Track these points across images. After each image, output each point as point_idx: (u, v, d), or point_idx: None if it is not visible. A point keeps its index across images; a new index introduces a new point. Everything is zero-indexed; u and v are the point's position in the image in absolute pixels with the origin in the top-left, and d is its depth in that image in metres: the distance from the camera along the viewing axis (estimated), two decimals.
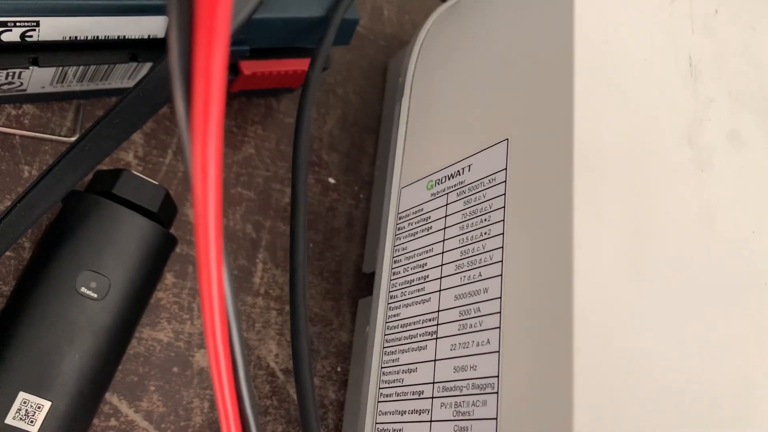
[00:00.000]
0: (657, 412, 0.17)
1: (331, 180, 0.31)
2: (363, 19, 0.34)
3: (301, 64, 0.26)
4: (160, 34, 0.23)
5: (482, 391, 0.18)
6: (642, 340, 0.18)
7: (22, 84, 0.23)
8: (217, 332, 0.12)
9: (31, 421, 0.20)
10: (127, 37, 0.22)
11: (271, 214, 0.29)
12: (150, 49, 0.24)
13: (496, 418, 0.18)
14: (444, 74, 0.25)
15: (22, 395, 0.20)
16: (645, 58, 0.21)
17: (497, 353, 0.18)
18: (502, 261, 0.19)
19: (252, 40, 0.24)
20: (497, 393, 0.18)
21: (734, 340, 0.19)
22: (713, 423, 0.18)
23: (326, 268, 0.29)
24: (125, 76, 0.25)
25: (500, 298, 0.19)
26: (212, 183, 0.10)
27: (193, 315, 0.26)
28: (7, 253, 0.23)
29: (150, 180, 0.24)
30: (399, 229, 0.24)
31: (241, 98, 0.29)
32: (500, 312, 0.19)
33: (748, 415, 0.18)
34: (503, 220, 0.20)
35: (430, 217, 0.23)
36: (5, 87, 0.23)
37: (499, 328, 0.19)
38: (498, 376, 0.18)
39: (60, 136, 0.25)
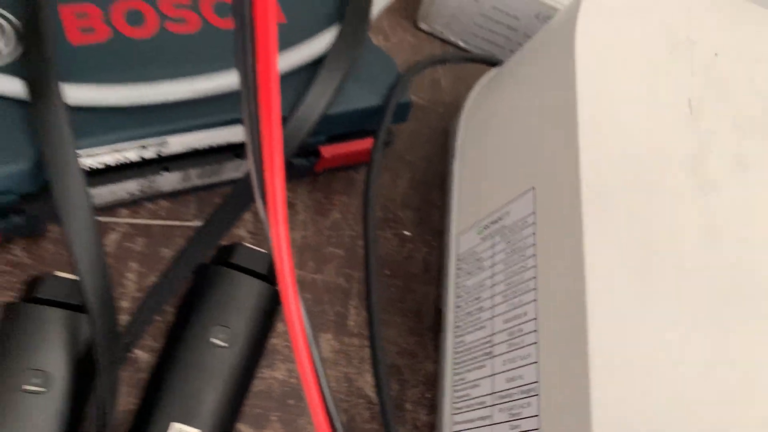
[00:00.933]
0: (667, 413, 0.21)
1: (407, 233, 0.36)
2: (423, 91, 0.40)
3: (368, 143, 0.32)
4: (238, 141, 0.29)
5: (527, 395, 0.23)
6: (651, 345, 0.21)
7: (157, 186, 0.30)
8: (306, 369, 0.18)
9: None
10: (231, 142, 0.29)
11: (358, 266, 0.34)
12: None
13: (538, 415, 0.22)
14: (485, 135, 0.30)
15: (174, 425, 0.27)
16: (645, 103, 0.25)
17: (536, 363, 0.23)
18: (536, 288, 0.24)
19: (326, 130, 0.30)
20: (538, 395, 0.22)
21: (739, 352, 0.23)
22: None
23: (408, 309, 0.34)
24: (234, 169, 0.31)
25: (535, 319, 0.23)
26: (285, 254, 0.15)
27: None
28: (157, 318, 0.30)
29: (259, 249, 0.30)
30: (458, 269, 0.29)
31: (327, 173, 0.36)
32: (536, 330, 0.23)
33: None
34: (535, 255, 0.24)
35: (481, 258, 0.28)
36: (146, 189, 0.30)
37: (537, 343, 0.23)
38: (538, 382, 0.22)
39: (187, 222, 0.32)
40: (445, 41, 0.42)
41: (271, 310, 0.30)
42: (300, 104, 0.28)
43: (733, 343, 0.23)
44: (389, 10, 0.42)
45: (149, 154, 0.27)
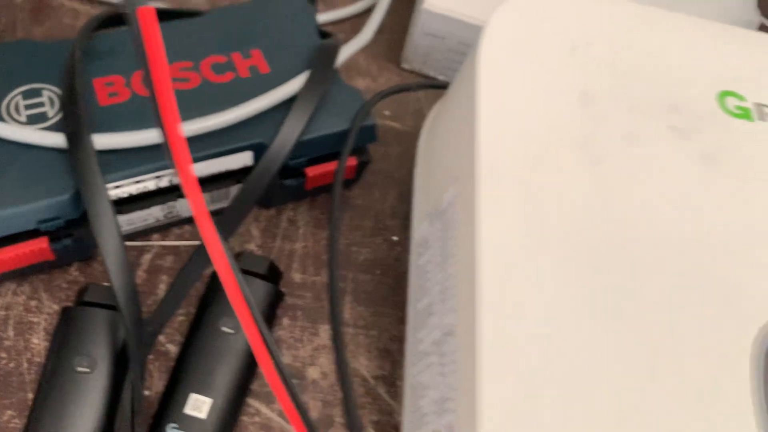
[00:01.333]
0: (550, 361, 0.25)
1: (394, 238, 0.42)
2: (408, 119, 0.46)
3: (350, 161, 0.39)
4: (249, 163, 0.36)
5: (450, 341, 0.28)
6: (536, 299, 0.26)
7: (178, 212, 0.38)
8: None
9: (200, 411, 0.33)
10: (230, 169, 0.36)
11: (352, 268, 0.40)
12: (246, 173, 0.37)
13: (454, 358, 0.27)
14: (434, 144, 0.36)
15: (192, 395, 0.33)
16: (542, 97, 0.31)
17: (455, 314, 0.28)
18: (455, 257, 0.29)
19: (306, 153, 0.37)
20: (456, 340, 0.27)
21: (627, 306, 0.27)
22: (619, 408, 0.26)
23: (398, 302, 0.40)
24: None
25: (456, 285, 0.29)
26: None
27: (303, 344, 0.38)
28: (180, 314, 0.37)
29: (261, 255, 0.37)
30: (417, 253, 0.35)
31: (324, 195, 0.42)
32: (455, 293, 0.28)
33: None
34: (456, 231, 0.30)
35: (428, 240, 0.33)
36: (170, 215, 0.38)
37: (456, 297, 0.28)
38: (455, 333, 0.28)
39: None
40: (426, 76, 0.48)
41: (272, 304, 0.37)
42: (278, 133, 0.35)
43: (620, 298, 0.27)
44: (375, 56, 0.49)
45: (164, 183, 0.35)
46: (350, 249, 0.41)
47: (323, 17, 0.48)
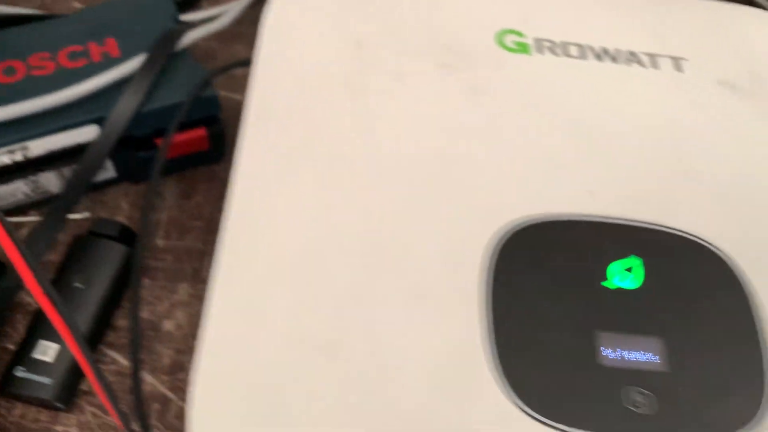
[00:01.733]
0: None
1: None
2: None
3: (201, 132, 0.42)
4: (83, 141, 0.40)
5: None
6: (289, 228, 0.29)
7: (45, 187, 0.42)
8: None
9: (47, 356, 0.36)
10: (80, 142, 0.40)
11: (216, 233, 0.44)
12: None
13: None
14: None
15: (41, 341, 0.37)
16: (318, 45, 0.34)
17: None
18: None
19: (151, 124, 0.41)
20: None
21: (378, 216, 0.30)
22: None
23: None
24: (103, 171, 0.42)
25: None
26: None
27: (161, 301, 0.41)
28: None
29: (113, 220, 0.41)
30: None
31: (193, 168, 0.46)
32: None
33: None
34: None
35: None
36: (38, 191, 0.42)
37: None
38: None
39: (78, 214, 0.43)
40: None
41: (123, 262, 0.40)
42: (115, 106, 0.39)
43: (372, 207, 0.30)
44: None
45: (18, 157, 0.39)
46: (215, 217, 0.44)
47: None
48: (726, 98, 0.35)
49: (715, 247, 0.31)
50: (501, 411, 0.26)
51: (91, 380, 0.29)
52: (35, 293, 0.28)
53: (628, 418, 0.26)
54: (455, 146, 0.31)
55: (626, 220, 0.31)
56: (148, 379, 0.38)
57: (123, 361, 0.39)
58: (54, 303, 0.30)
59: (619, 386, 0.27)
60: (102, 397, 0.30)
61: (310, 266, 0.28)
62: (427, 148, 0.31)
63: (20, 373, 0.36)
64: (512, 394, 0.26)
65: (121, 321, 0.40)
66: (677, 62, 0.36)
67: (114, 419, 0.32)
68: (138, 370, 0.36)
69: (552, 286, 0.29)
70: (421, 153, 0.31)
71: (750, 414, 0.27)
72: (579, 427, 0.26)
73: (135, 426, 0.36)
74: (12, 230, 0.28)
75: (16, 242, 0.28)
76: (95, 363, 0.29)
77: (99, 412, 0.38)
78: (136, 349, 0.36)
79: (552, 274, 0.29)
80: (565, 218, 0.30)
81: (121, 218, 0.44)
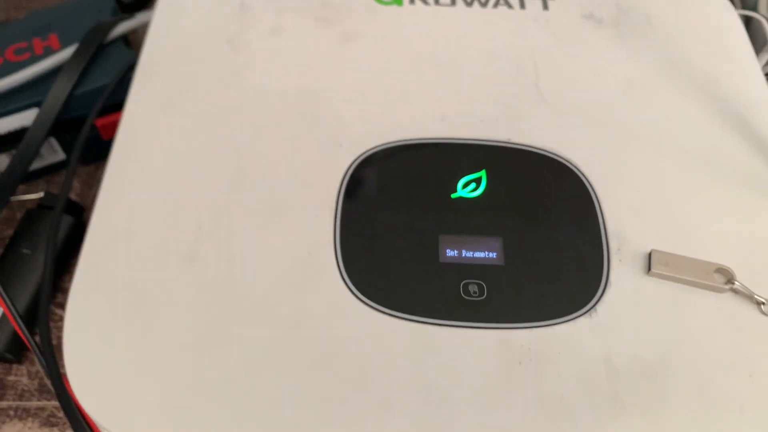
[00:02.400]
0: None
1: None
2: None
3: None
4: (27, 124, 0.45)
5: None
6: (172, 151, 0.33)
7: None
8: None
9: None
10: (25, 126, 0.45)
11: None
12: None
13: None
14: None
15: None
16: (206, 8, 0.38)
17: None
18: None
19: (87, 105, 0.45)
20: None
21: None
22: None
23: None
24: (53, 154, 0.47)
25: None
26: None
27: None
28: None
29: (60, 193, 0.45)
30: None
31: None
32: None
33: None
34: None
35: None
36: None
37: None
38: None
39: (35, 194, 0.48)
40: None
41: (70, 230, 0.44)
42: (51, 90, 0.43)
43: (242, 142, 0.33)
44: None
45: None
46: None
47: None
48: (588, 30, 0.38)
49: (562, 157, 0.33)
50: (342, 302, 0.29)
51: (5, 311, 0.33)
52: None
53: (465, 305, 0.29)
54: (320, 85, 0.35)
55: (475, 140, 0.33)
56: None
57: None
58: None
59: (459, 280, 0.30)
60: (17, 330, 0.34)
61: (179, 189, 0.31)
62: (294, 87, 0.35)
63: None
64: (354, 288, 0.29)
65: (69, 284, 0.45)
66: (545, 1, 0.39)
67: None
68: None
69: (401, 200, 0.32)
70: (288, 91, 0.34)
71: (587, 299, 0.29)
72: (414, 314, 0.29)
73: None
74: None
75: None
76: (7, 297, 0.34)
77: None
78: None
79: (402, 189, 0.32)
80: (416, 142, 0.33)
81: (72, 196, 0.48)
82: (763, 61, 0.43)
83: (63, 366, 0.28)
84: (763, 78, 0.38)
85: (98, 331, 0.28)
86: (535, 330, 0.28)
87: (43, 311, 0.33)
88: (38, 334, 0.33)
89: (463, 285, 0.29)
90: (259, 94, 0.34)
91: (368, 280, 0.29)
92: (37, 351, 0.33)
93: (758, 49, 0.42)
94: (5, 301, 0.35)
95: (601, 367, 0.28)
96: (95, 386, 0.26)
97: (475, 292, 0.29)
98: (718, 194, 0.33)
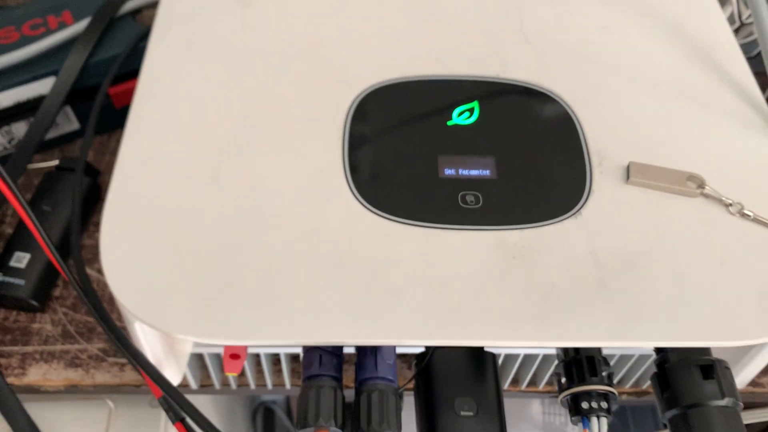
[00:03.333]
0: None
1: None
2: None
3: None
4: (45, 92, 0.47)
5: None
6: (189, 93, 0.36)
7: (14, 136, 0.49)
8: None
9: (21, 263, 0.43)
10: (43, 94, 0.48)
11: None
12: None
13: None
14: None
15: (16, 252, 0.43)
16: None
17: None
18: None
19: (101, 74, 0.48)
20: None
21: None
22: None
23: None
24: (68, 123, 0.50)
25: None
26: None
27: None
28: None
29: (77, 157, 0.48)
30: None
31: None
32: None
33: None
34: None
35: None
36: (14, 143, 0.49)
37: None
38: None
39: (52, 162, 0.51)
40: None
41: (87, 191, 0.47)
42: (67, 59, 0.46)
43: (256, 82, 0.36)
44: None
45: None
46: None
47: None
48: None
49: (546, 89, 0.36)
50: (353, 211, 0.32)
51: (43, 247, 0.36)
52: (17, 210, 0.36)
53: (463, 212, 0.32)
54: (325, 32, 0.38)
55: (467, 76, 0.37)
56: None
57: (90, 272, 0.46)
58: (27, 213, 0.37)
59: (457, 192, 0.33)
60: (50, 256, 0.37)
61: (199, 120, 0.34)
62: (299, 34, 0.38)
63: None
64: (362, 200, 0.32)
65: (88, 240, 0.47)
66: None
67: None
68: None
69: (403, 128, 0.35)
70: (294, 37, 0.38)
71: (573, 204, 0.33)
72: (418, 220, 0.32)
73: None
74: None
75: (3, 176, 0.36)
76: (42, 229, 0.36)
77: (70, 312, 0.44)
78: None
79: (404, 119, 0.35)
80: (415, 79, 0.37)
81: (90, 158, 0.51)
82: (728, 13, 0.47)
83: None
84: (724, 20, 0.41)
85: (132, 239, 0.30)
86: (526, 230, 0.31)
87: (76, 233, 0.36)
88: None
89: (461, 196, 0.33)
90: (268, 41, 0.38)
91: (376, 193, 0.32)
92: (72, 278, 0.36)
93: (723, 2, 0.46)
94: (42, 236, 0.37)
95: (588, 259, 0.31)
96: (131, 286, 0.29)
97: (471, 201, 0.32)
98: (686, 116, 0.36)
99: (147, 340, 0.31)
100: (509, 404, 0.34)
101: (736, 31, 0.50)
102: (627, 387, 0.42)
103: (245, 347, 0.31)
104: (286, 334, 0.28)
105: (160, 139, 0.34)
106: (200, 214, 0.31)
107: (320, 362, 0.29)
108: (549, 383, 0.41)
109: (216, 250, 0.30)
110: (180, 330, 0.28)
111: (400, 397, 0.31)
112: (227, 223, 0.31)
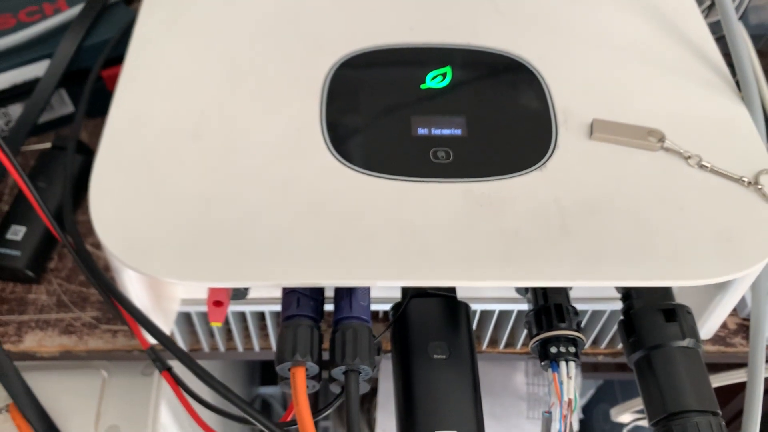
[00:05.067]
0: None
1: None
2: None
3: None
4: (40, 75, 0.49)
5: None
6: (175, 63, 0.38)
7: (11, 118, 0.51)
8: None
9: (17, 236, 0.45)
10: (38, 76, 0.49)
11: None
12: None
13: None
14: None
15: (12, 225, 0.45)
16: None
17: None
18: None
19: (93, 57, 0.50)
20: None
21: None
22: None
23: None
24: (62, 105, 0.52)
25: None
26: None
27: None
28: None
29: (71, 136, 0.50)
30: None
31: None
32: None
33: None
34: None
35: None
36: (9, 123, 0.51)
37: None
38: None
39: (46, 144, 0.52)
40: None
41: (80, 168, 0.49)
42: (60, 43, 0.48)
43: (240, 53, 0.38)
44: None
45: None
46: None
47: None
48: None
49: (514, 55, 0.38)
50: (329, 166, 0.33)
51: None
52: (16, 179, 0.37)
53: (434, 166, 0.34)
54: (301, 2, 0.40)
55: (439, 44, 0.39)
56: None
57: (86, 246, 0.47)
58: (25, 182, 0.38)
59: (428, 149, 0.34)
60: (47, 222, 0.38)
61: (182, 84, 0.36)
62: (276, 5, 0.40)
63: None
64: (340, 157, 0.34)
65: (81, 216, 0.49)
66: None
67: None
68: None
69: (378, 91, 0.37)
70: (275, 8, 0.40)
71: (538, 158, 0.34)
72: (390, 173, 0.33)
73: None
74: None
75: (3, 147, 0.37)
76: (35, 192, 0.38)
77: (65, 283, 0.46)
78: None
79: (379, 83, 0.37)
80: (391, 47, 0.38)
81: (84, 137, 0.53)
82: None
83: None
84: None
85: (119, 192, 0.32)
86: (493, 182, 0.33)
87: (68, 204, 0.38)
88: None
89: (432, 152, 0.34)
90: (249, 12, 0.40)
91: (351, 150, 0.34)
92: (66, 239, 0.37)
93: None
94: (38, 202, 0.38)
95: (552, 207, 0.32)
96: (119, 235, 0.31)
97: (442, 156, 0.34)
98: (648, 78, 0.38)
99: (135, 291, 0.33)
100: (493, 375, 0.36)
101: (707, 10, 0.52)
102: (602, 347, 0.43)
103: (228, 293, 0.33)
104: (265, 275, 0.30)
105: (147, 101, 0.35)
106: (183, 168, 0.33)
107: (298, 304, 0.31)
108: (526, 344, 0.42)
109: (198, 201, 0.32)
110: (165, 273, 0.30)
111: (378, 351, 0.32)
112: (208, 175, 0.33)
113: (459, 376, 0.31)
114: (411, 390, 0.31)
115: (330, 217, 0.31)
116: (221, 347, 0.42)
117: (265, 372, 0.98)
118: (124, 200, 0.32)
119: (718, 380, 0.46)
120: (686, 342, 0.32)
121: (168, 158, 0.33)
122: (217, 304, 0.32)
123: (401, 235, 0.31)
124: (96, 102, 0.51)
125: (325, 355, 0.31)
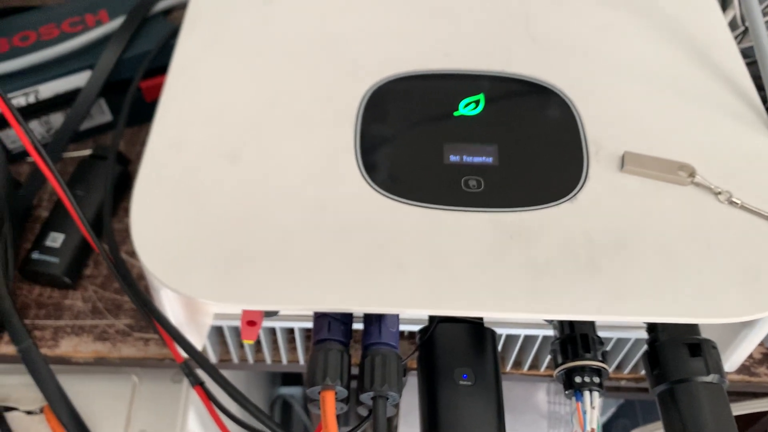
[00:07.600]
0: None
1: None
2: None
3: None
4: (81, 85, 0.51)
5: None
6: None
7: (52, 126, 0.52)
8: None
9: (56, 242, 0.46)
10: (80, 86, 0.51)
11: None
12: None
13: None
14: None
15: (51, 233, 0.47)
16: None
17: None
18: None
19: (133, 68, 0.51)
20: None
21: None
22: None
23: None
24: (101, 114, 0.53)
25: None
26: None
27: None
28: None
29: (109, 146, 0.51)
30: None
31: None
32: None
33: None
34: None
35: None
36: (52, 133, 0.52)
37: None
38: None
39: (86, 151, 0.54)
40: None
41: (118, 179, 0.50)
42: (102, 55, 0.50)
43: (281, 74, 0.39)
44: None
45: (31, 99, 0.50)
46: None
47: None
48: None
49: (547, 83, 0.39)
50: (362, 191, 0.34)
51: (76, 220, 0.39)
52: (56, 188, 0.38)
53: (465, 195, 0.34)
54: (339, 28, 0.41)
55: (474, 71, 0.39)
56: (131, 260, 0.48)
57: (121, 254, 0.49)
58: (65, 192, 0.40)
59: (459, 178, 0.35)
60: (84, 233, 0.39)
61: (222, 108, 0.37)
62: (317, 29, 0.41)
63: (35, 255, 0.46)
64: (372, 183, 0.34)
65: (118, 225, 0.50)
66: None
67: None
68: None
69: (412, 117, 0.37)
70: (312, 32, 0.40)
71: (569, 190, 0.35)
72: (422, 201, 0.34)
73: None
74: (40, 147, 0.38)
75: (40, 153, 0.39)
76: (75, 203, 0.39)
77: (100, 290, 0.47)
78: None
79: (413, 109, 0.38)
80: (425, 72, 0.39)
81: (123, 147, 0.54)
82: (729, 17, 0.49)
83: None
84: (722, 18, 0.43)
85: (159, 213, 0.33)
86: (524, 213, 0.34)
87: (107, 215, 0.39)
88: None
89: (464, 180, 0.35)
90: (287, 36, 0.41)
91: (384, 176, 0.35)
92: (105, 252, 0.38)
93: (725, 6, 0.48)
94: (77, 212, 0.40)
95: (581, 239, 0.33)
96: (158, 255, 0.32)
97: (474, 185, 0.35)
98: (680, 110, 0.38)
99: (171, 309, 0.34)
100: (515, 393, 0.36)
101: (741, 35, 0.52)
102: (625, 373, 0.43)
103: (261, 313, 0.34)
104: (298, 300, 0.31)
105: (186, 123, 0.36)
106: (221, 191, 0.34)
107: (329, 328, 0.32)
108: (550, 367, 0.43)
109: (235, 224, 0.33)
110: (202, 295, 0.31)
111: (405, 373, 0.33)
112: (245, 199, 0.34)
113: (484, 403, 0.32)
114: (436, 416, 0.32)
115: (361, 243, 0.32)
116: (250, 359, 0.43)
117: (286, 373, 0.99)
118: (164, 222, 0.33)
119: (745, 408, 0.46)
120: (710, 377, 0.33)
121: (206, 181, 0.34)
122: (251, 323, 0.33)
123: (431, 263, 0.32)
124: (133, 111, 0.53)
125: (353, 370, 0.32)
